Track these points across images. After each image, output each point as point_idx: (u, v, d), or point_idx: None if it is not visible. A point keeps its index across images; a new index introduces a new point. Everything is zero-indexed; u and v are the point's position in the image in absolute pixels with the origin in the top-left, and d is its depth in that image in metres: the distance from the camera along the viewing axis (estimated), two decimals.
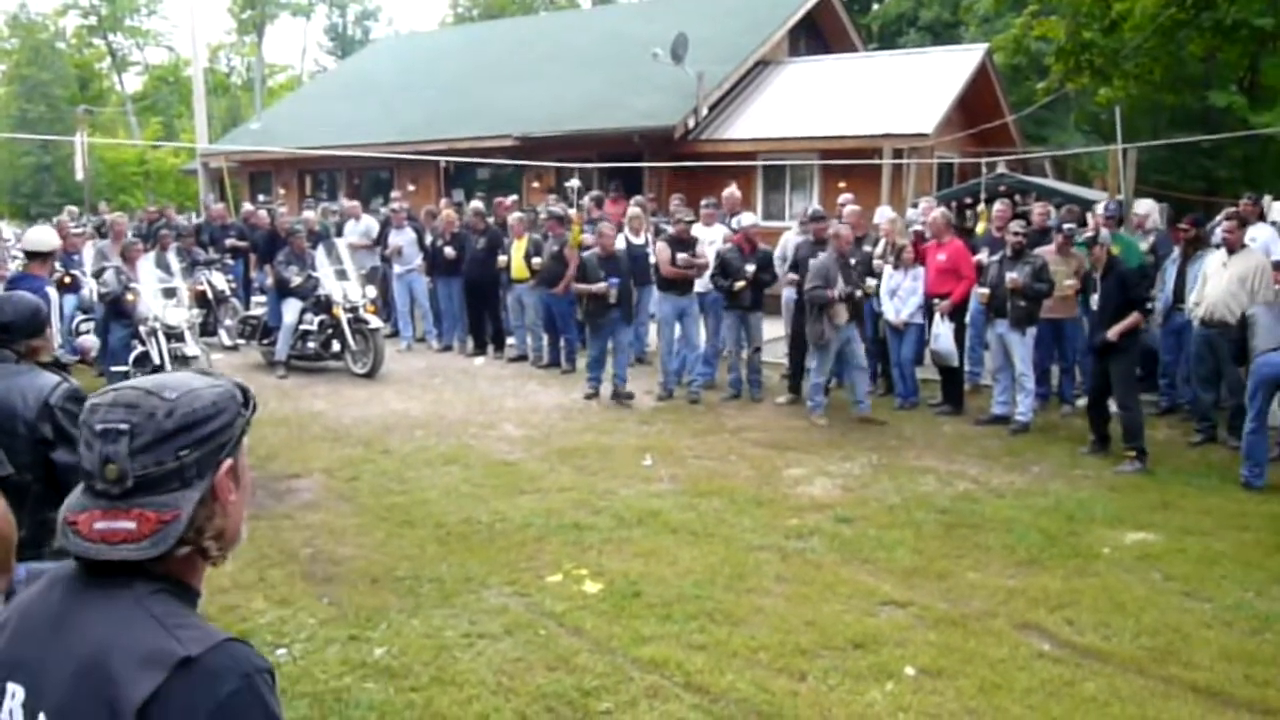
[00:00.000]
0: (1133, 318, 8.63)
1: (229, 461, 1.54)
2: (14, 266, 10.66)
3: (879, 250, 10.96)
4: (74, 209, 21.49)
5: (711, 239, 11.64)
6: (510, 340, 13.61)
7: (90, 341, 9.98)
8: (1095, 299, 8.85)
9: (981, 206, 12.81)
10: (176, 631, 1.41)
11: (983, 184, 13.77)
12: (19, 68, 49.13)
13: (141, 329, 10.82)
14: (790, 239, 11.73)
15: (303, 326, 12.60)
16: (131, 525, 1.44)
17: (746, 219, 11.23)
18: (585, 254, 10.92)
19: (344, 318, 12.28)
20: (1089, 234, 9.10)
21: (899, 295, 10.34)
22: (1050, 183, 16.86)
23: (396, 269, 14.39)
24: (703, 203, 12.54)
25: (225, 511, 1.54)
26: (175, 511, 1.46)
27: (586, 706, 4.55)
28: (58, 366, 4.04)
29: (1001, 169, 14.98)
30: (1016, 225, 9.92)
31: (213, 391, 1.54)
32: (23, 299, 3.87)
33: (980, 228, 11.55)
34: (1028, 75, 25.35)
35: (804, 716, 4.47)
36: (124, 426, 1.46)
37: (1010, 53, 19.82)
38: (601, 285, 10.53)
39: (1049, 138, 27.87)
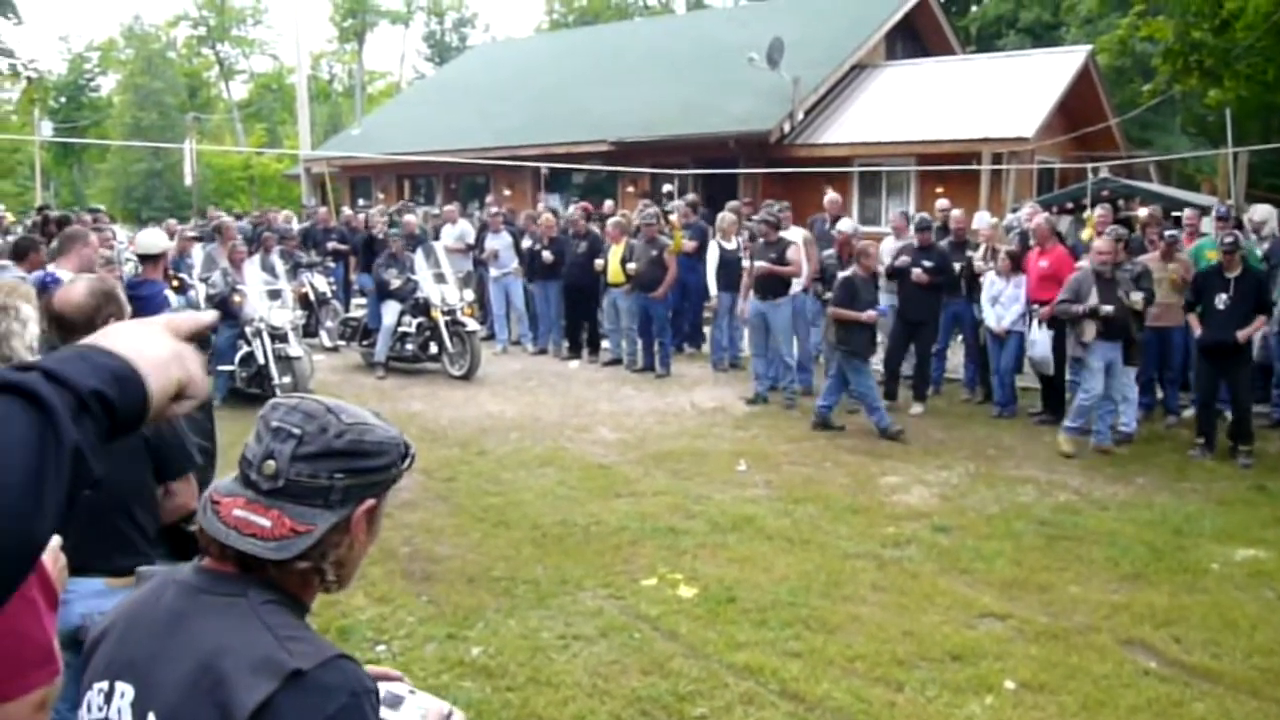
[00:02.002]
0: (1258, 321, 8.75)
1: (371, 502, 1.56)
2: (128, 269, 11.02)
3: (979, 255, 10.79)
4: (173, 222, 22.10)
5: (792, 239, 11.52)
6: (605, 344, 13.69)
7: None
8: (1222, 299, 8.71)
9: (1088, 212, 12.52)
10: (288, 644, 1.43)
11: (1088, 189, 13.45)
12: (133, 77, 51.02)
13: (247, 329, 11.11)
14: (888, 246, 11.59)
15: (401, 328, 12.82)
16: (266, 523, 1.48)
17: (845, 225, 11.14)
18: (849, 273, 9.82)
19: (442, 320, 12.47)
20: (1228, 239, 8.91)
21: (1000, 302, 10.15)
22: (1156, 187, 16.41)
23: (493, 272, 14.56)
24: (774, 207, 12.32)
25: (352, 546, 1.56)
26: (310, 526, 1.50)
27: (682, 711, 4.56)
28: None
29: (1104, 173, 14.63)
30: (1104, 242, 9.54)
31: (383, 433, 1.57)
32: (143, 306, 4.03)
33: (1086, 234, 11.29)
34: (1132, 77, 24.76)
35: None
36: (296, 431, 1.51)
37: (1114, 54, 19.41)
38: (871, 314, 9.63)
39: (1153, 141, 27.15)
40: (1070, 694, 4.73)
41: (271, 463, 1.49)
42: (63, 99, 54.88)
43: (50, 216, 14.07)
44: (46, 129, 35.31)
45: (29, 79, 20.63)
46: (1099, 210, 11.41)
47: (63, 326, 3.27)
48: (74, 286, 3.41)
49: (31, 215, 16.63)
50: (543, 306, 14.27)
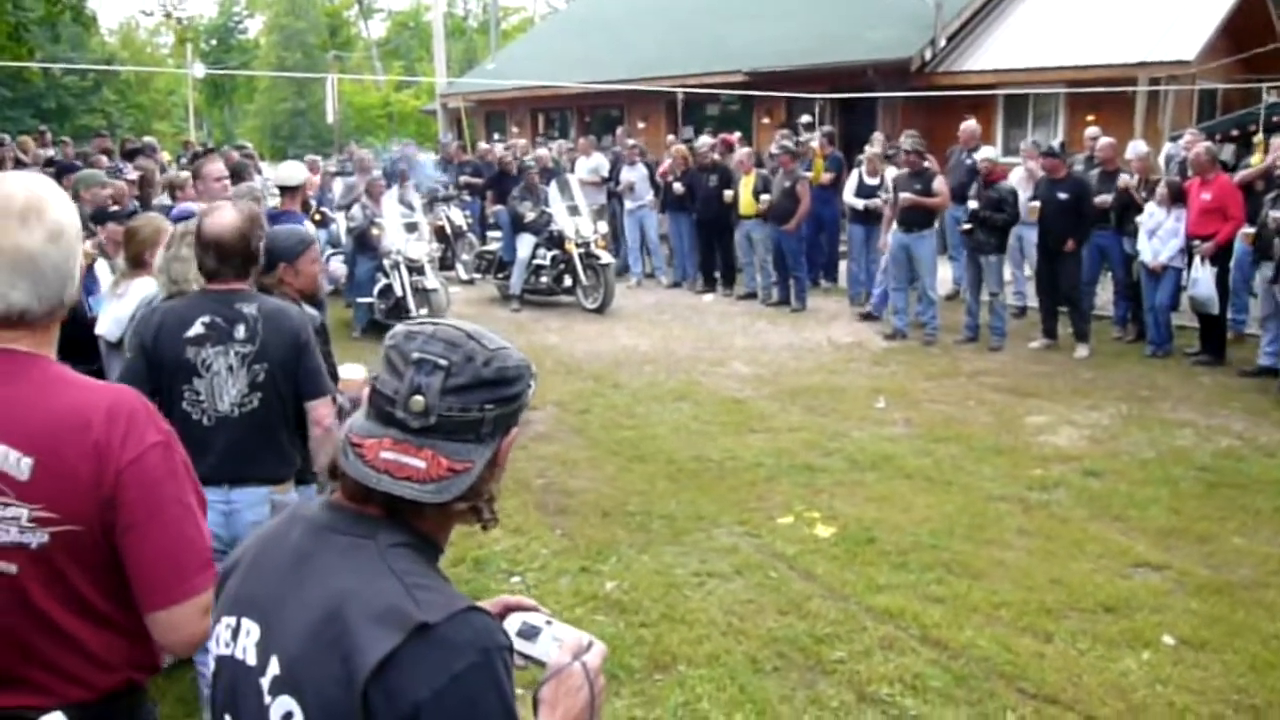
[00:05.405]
0: None
1: (516, 431, 1.49)
2: (272, 203, 11.30)
3: (1132, 182, 10.17)
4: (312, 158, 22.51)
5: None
6: (740, 277, 13.51)
7: (342, 269, 10.49)
8: None
9: (1258, 137, 11.72)
10: (416, 593, 1.35)
11: (1260, 114, 12.58)
12: (278, 18, 52.45)
13: (385, 262, 11.27)
14: (1018, 176, 11.05)
15: (536, 261, 12.85)
16: (421, 464, 1.38)
17: (983, 153, 10.67)
18: None
19: (576, 253, 12.45)
20: None
21: (1158, 236, 9.59)
22: None
23: (628, 205, 14.46)
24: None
25: (498, 478, 1.49)
26: (468, 463, 1.41)
27: (819, 654, 4.45)
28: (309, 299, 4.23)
29: (1273, 98, 13.66)
30: None
31: (519, 355, 1.48)
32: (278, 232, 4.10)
33: (1255, 159, 10.56)
34: None
35: (1051, 681, 4.22)
36: (442, 362, 1.40)
37: None
38: None
39: None
40: (1235, 653, 4.45)
41: (420, 398, 1.39)
42: (213, 41, 56.61)
43: (198, 153, 14.51)
44: (199, 71, 36.43)
45: (179, 20, 21.31)
46: (1275, 138, 10.64)
47: (219, 250, 3.44)
48: (224, 213, 3.54)
49: (185, 154, 17.21)
50: (676, 239, 14.15)
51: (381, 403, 1.42)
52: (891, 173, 11.76)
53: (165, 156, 17.10)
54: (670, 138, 16.88)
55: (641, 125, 21.06)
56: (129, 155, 13.95)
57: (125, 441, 1.77)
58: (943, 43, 18.04)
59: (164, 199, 8.50)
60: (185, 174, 8.58)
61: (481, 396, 1.41)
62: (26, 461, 1.73)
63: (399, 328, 1.48)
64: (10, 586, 1.75)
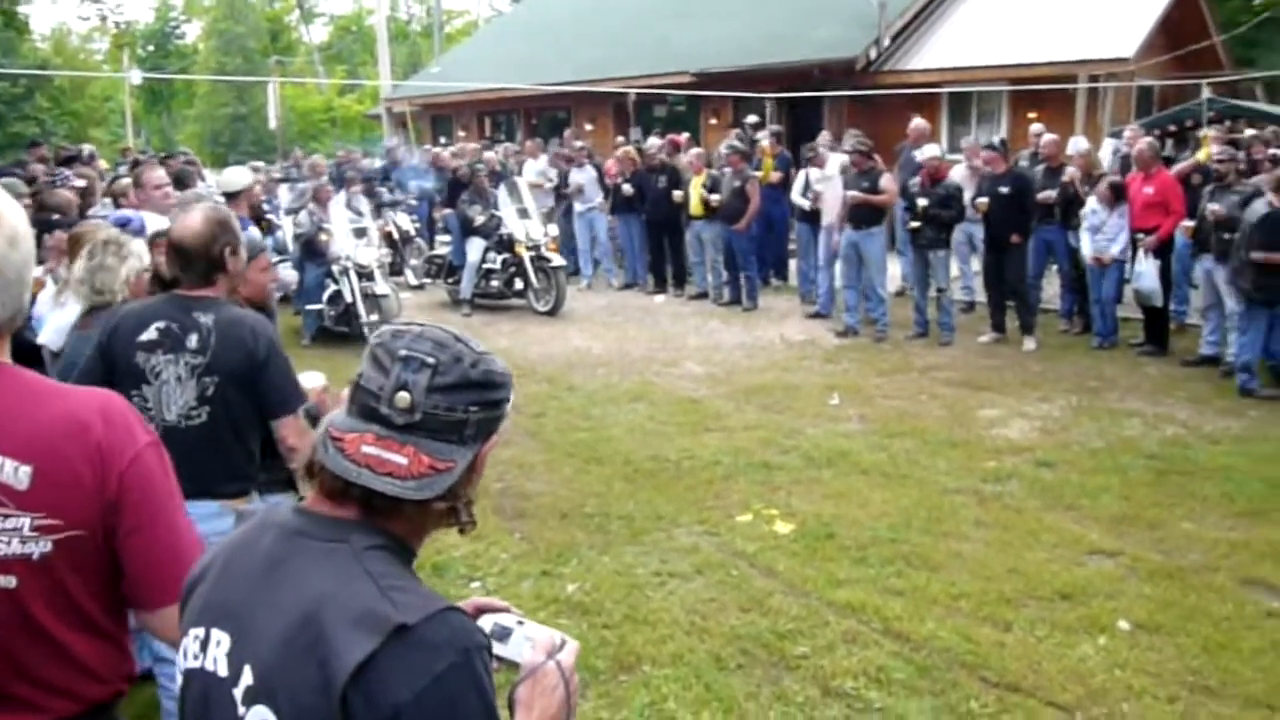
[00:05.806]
0: None
1: (496, 438, 1.48)
2: None
3: (1076, 174, 10.31)
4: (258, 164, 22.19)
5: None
6: (691, 278, 13.53)
7: (293, 276, 10.34)
8: None
9: (1203, 131, 11.95)
10: (392, 594, 1.33)
11: (1202, 110, 12.85)
12: (217, 22, 51.65)
13: (334, 268, 11.15)
14: (959, 173, 11.17)
15: (486, 265, 12.77)
16: (403, 461, 1.37)
17: (926, 150, 10.77)
18: (1267, 209, 8.00)
19: (526, 256, 12.40)
20: None
21: (1103, 232, 9.73)
22: (1264, 107, 15.63)
23: (578, 207, 14.43)
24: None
25: (475, 483, 1.48)
26: (450, 462, 1.40)
27: (782, 649, 4.46)
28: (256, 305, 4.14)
29: (1207, 94, 13.95)
30: (1218, 150, 9.22)
31: (503, 363, 1.49)
32: None
33: (1203, 154, 10.74)
34: None
35: (1012, 669, 4.27)
36: (430, 360, 1.40)
37: None
38: None
39: (1257, 60, 25.90)
40: (1189, 635, 4.53)
41: (406, 394, 1.38)
42: (150, 47, 55.71)
43: (137, 160, 14.25)
44: (136, 77, 35.80)
45: (116, 24, 20.95)
46: (1214, 130, 10.85)
47: (181, 255, 3.32)
48: (191, 215, 3.40)
49: (125, 161, 16.90)
50: (627, 241, 14.14)
51: (365, 398, 1.41)
52: (815, 174, 11.89)
53: (103, 164, 16.79)
54: (620, 139, 16.86)
55: (589, 127, 21.04)
56: (64, 163, 13.68)
57: (123, 443, 1.77)
58: (887, 42, 18.19)
59: (100, 209, 8.31)
60: (128, 181, 8.41)
61: (467, 398, 1.41)
62: (25, 470, 1.69)
63: (385, 327, 1.48)
64: (9, 600, 1.71)
